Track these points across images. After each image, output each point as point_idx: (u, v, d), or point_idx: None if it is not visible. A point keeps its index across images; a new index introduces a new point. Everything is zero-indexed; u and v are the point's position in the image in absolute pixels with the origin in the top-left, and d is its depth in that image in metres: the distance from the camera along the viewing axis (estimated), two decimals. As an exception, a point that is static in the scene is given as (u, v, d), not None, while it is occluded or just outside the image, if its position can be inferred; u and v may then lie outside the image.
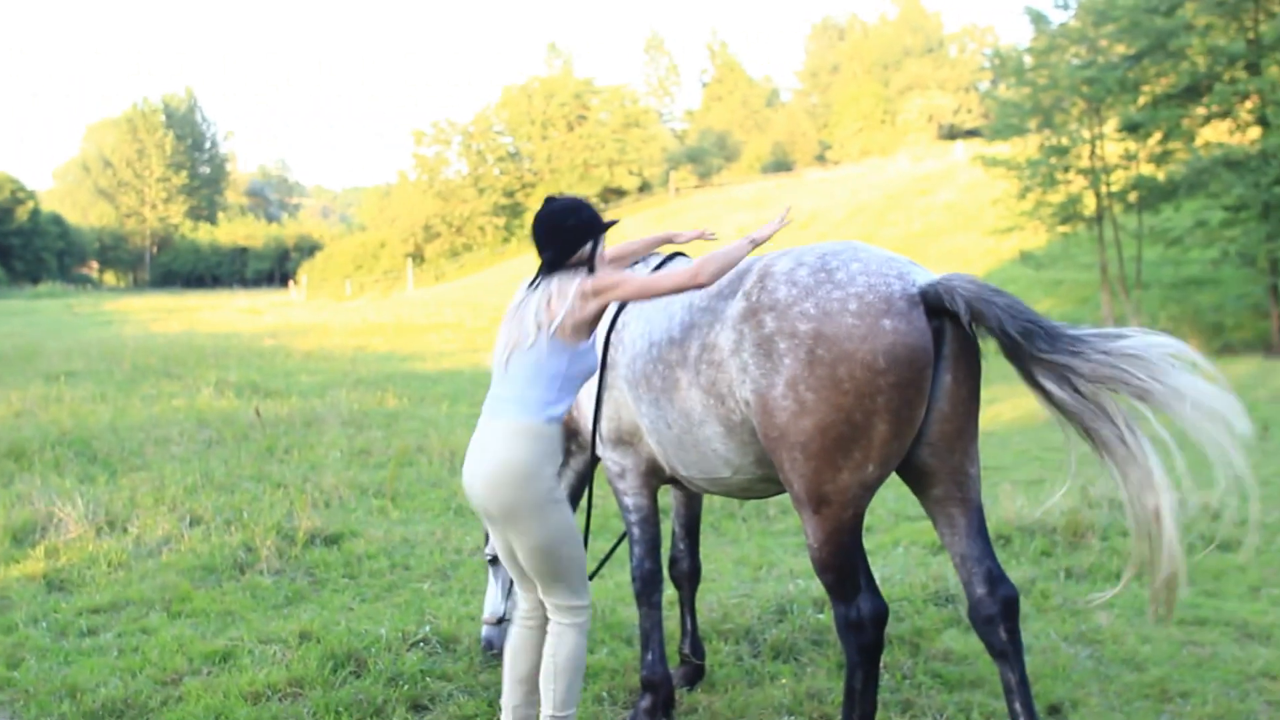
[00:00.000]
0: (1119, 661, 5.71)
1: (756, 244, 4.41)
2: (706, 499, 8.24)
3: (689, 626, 5.60)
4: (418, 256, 74.80)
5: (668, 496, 6.70)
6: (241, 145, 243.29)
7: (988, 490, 8.51)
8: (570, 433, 5.31)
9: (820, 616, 6.19)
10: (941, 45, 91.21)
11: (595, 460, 5.34)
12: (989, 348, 4.15)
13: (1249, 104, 25.77)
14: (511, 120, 79.47)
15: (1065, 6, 30.37)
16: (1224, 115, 26.50)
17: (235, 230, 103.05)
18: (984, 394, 4.26)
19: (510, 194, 77.44)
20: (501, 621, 5.65)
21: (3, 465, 10.18)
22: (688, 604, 5.62)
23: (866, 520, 8.37)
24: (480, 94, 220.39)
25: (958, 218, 42.09)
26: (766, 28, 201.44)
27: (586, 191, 74.06)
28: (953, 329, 4.06)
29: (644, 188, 77.11)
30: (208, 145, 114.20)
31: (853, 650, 4.21)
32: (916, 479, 4.29)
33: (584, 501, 5.57)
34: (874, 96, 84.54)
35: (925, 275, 4.14)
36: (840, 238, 38.13)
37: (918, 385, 3.97)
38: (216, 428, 12.39)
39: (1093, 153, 28.44)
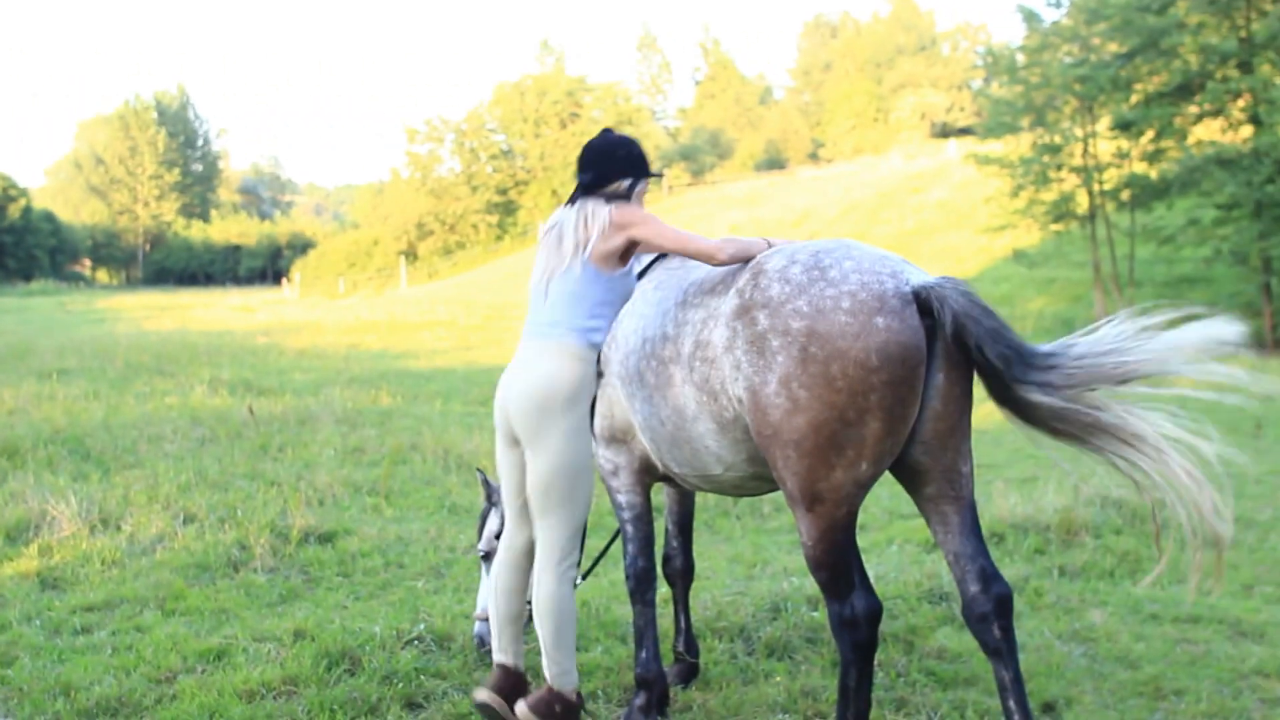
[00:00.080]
0: (1113, 659, 5.73)
1: (771, 246, 4.49)
2: (700, 497, 8.24)
3: (683, 624, 5.60)
4: (411, 254, 74.68)
5: (661, 494, 6.71)
6: (234, 143, 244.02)
7: (981, 488, 8.52)
8: None
9: (814, 614, 6.19)
10: (934, 43, 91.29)
11: None
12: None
13: (1241, 102, 25.85)
14: (504, 118, 79.37)
15: (1057, 5, 30.46)
16: (1216, 114, 26.58)
17: (228, 228, 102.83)
18: (977, 392, 4.27)
19: (503, 192, 77.36)
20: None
21: (-5, 463, 10.15)
22: (681, 602, 5.62)
23: (860, 518, 8.39)
24: (473, 91, 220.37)
25: (950, 216, 42.15)
26: (759, 25, 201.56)
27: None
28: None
29: (637, 185, 76.90)
30: (200, 143, 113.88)
31: (847, 648, 4.22)
32: (909, 477, 4.30)
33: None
34: (867, 94, 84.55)
35: (918, 274, 4.16)
36: (833, 236, 38.17)
37: (911, 383, 3.98)
38: (210, 425, 12.37)
39: (1085, 151, 28.51)
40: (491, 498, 5.86)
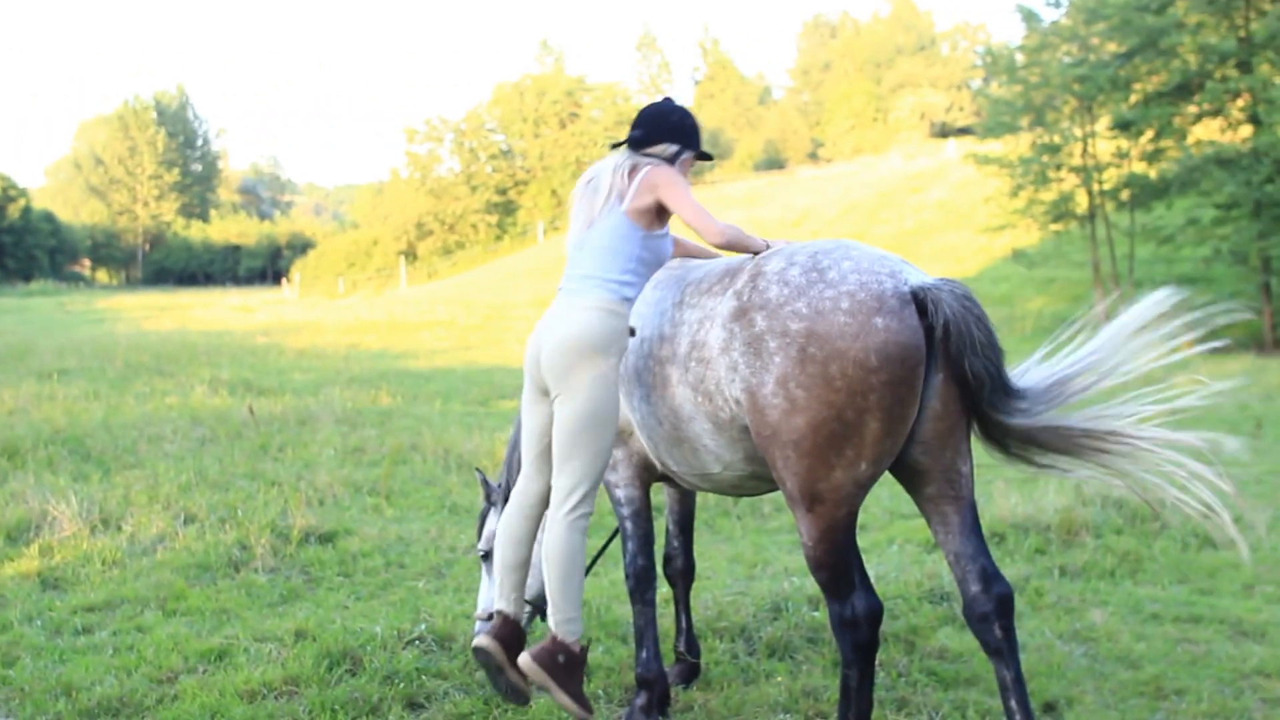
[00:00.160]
0: (1114, 659, 5.73)
1: (770, 248, 4.53)
2: (700, 497, 8.25)
3: (684, 624, 5.60)
4: (410, 254, 74.67)
5: (661, 494, 6.71)
6: (233, 143, 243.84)
7: (981, 488, 8.53)
8: None
9: (815, 614, 6.19)
10: (933, 43, 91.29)
11: None
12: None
13: (1240, 102, 25.86)
14: (504, 118, 79.37)
15: (1057, 4, 30.46)
16: (1215, 113, 26.59)
17: (227, 228, 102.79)
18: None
19: (503, 191, 77.37)
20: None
21: (-4, 464, 10.16)
22: (682, 601, 5.63)
23: (861, 518, 8.39)
24: (472, 91, 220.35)
25: (950, 216, 42.16)
26: (758, 25, 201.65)
27: (580, 189, 73.98)
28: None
29: (637, 185, 76.89)
30: (199, 143, 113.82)
31: (847, 648, 4.22)
32: (909, 477, 4.31)
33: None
34: (866, 94, 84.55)
35: (917, 274, 4.17)
36: (832, 235, 38.19)
37: (910, 383, 3.99)
38: (210, 426, 12.37)
39: (1085, 151, 28.51)
40: (490, 497, 5.85)
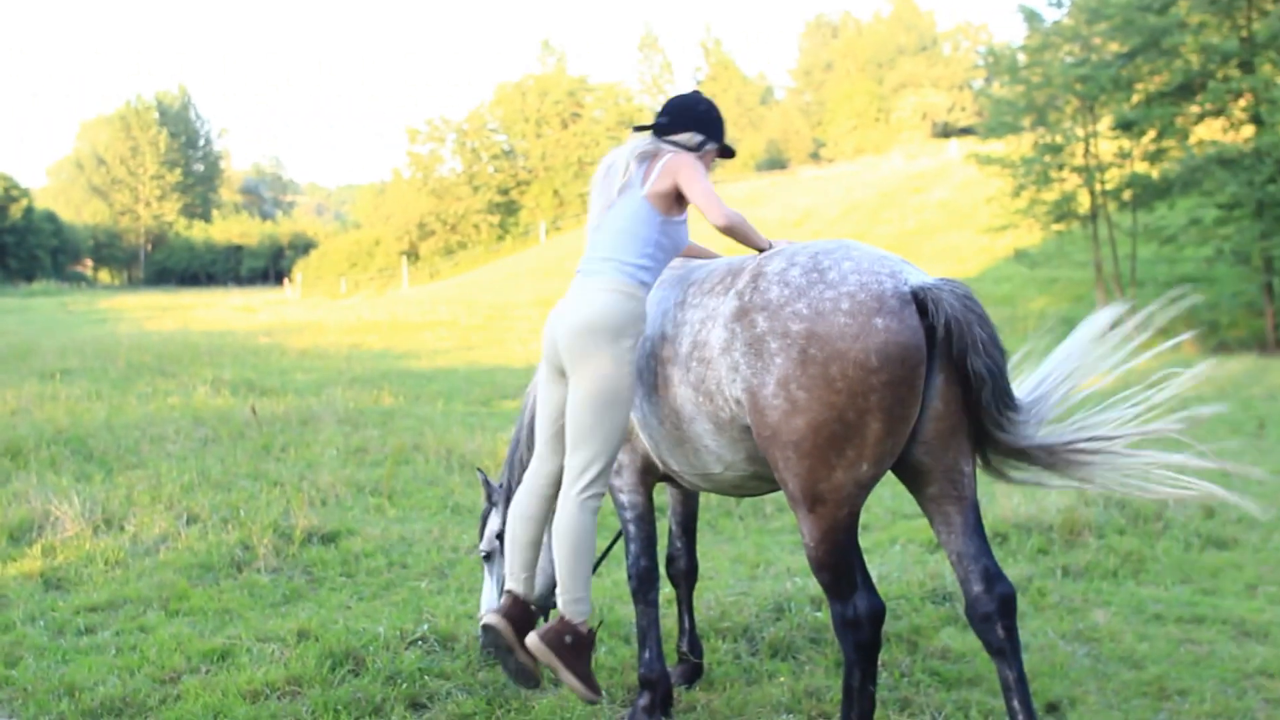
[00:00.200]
0: (1117, 659, 5.73)
1: (771, 247, 4.58)
2: (703, 497, 8.24)
3: (686, 624, 5.61)
4: (412, 254, 74.70)
5: (664, 495, 6.71)
6: (235, 143, 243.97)
7: (984, 487, 8.50)
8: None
9: (818, 614, 6.19)
10: (935, 43, 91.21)
11: None
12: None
13: (1242, 102, 25.84)
14: (506, 118, 79.41)
15: (1059, 4, 30.42)
16: (1217, 113, 26.57)
17: (229, 228, 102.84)
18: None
19: (505, 192, 77.42)
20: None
21: (-1, 463, 10.16)
22: (685, 602, 5.63)
23: (863, 518, 8.39)
24: (474, 92, 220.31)
25: (952, 216, 42.13)
26: (760, 25, 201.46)
27: (581, 189, 73.97)
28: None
29: (638, 185, 76.91)
30: (201, 143, 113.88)
31: (850, 648, 4.22)
32: (911, 477, 4.31)
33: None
34: (868, 94, 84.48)
35: (918, 274, 4.18)
36: (834, 235, 38.19)
37: (910, 383, 3.99)
38: (212, 426, 12.38)
39: (1087, 151, 28.49)
40: (492, 498, 5.86)
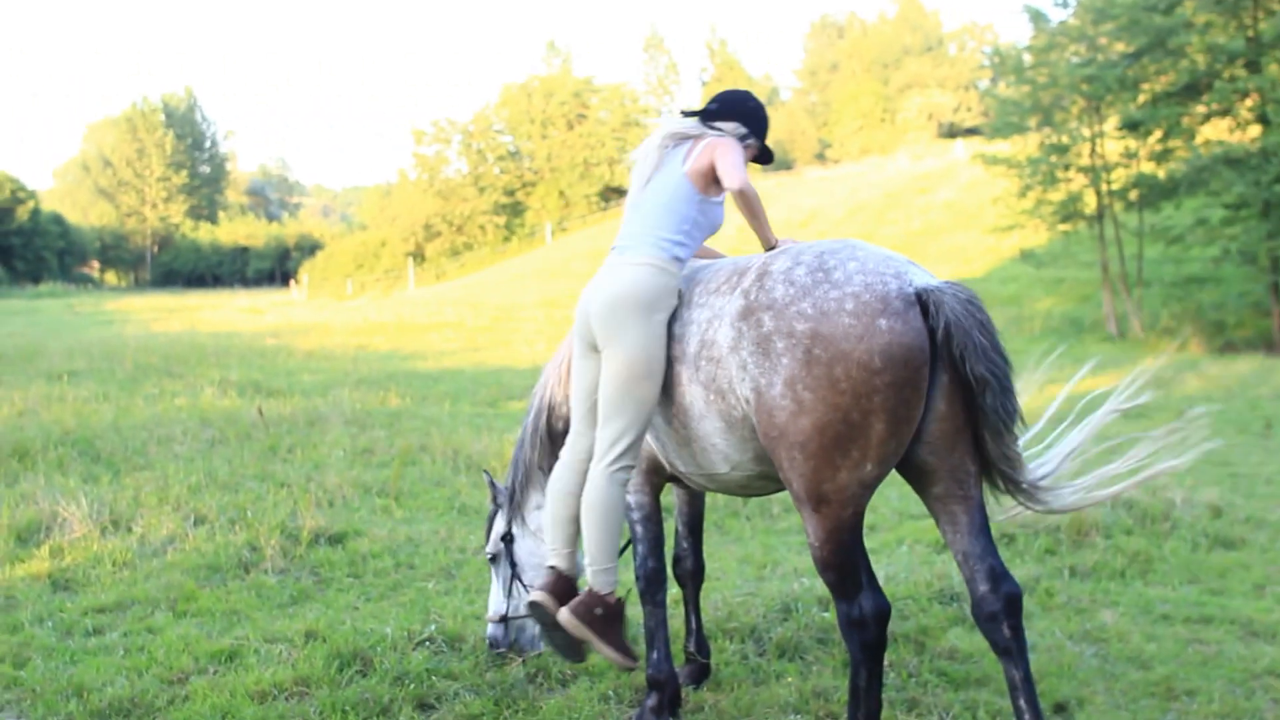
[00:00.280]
0: (1124, 659, 5.72)
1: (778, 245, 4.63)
2: (709, 498, 8.25)
3: (694, 625, 5.61)
4: (418, 255, 74.75)
5: (670, 496, 6.71)
6: (241, 144, 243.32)
7: (989, 487, 8.52)
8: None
9: (825, 615, 6.20)
10: (941, 43, 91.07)
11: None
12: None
13: (1249, 102, 25.78)
14: (511, 119, 79.41)
15: (1064, 4, 30.35)
16: (1224, 113, 26.51)
17: (236, 230, 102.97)
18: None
19: (510, 193, 77.43)
20: (504, 620, 5.67)
21: (6, 465, 10.17)
22: (692, 602, 5.63)
23: (870, 519, 8.39)
24: (480, 93, 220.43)
25: (958, 216, 42.08)
26: (765, 26, 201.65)
27: (587, 190, 74.13)
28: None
29: (644, 186, 76.88)
30: (208, 144, 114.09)
31: (855, 648, 4.23)
32: (917, 477, 4.32)
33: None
34: (873, 95, 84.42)
35: (923, 275, 4.18)
36: (840, 236, 38.12)
37: (914, 384, 3.99)
38: (219, 427, 12.39)
39: (1093, 151, 28.44)
40: (498, 499, 5.87)
